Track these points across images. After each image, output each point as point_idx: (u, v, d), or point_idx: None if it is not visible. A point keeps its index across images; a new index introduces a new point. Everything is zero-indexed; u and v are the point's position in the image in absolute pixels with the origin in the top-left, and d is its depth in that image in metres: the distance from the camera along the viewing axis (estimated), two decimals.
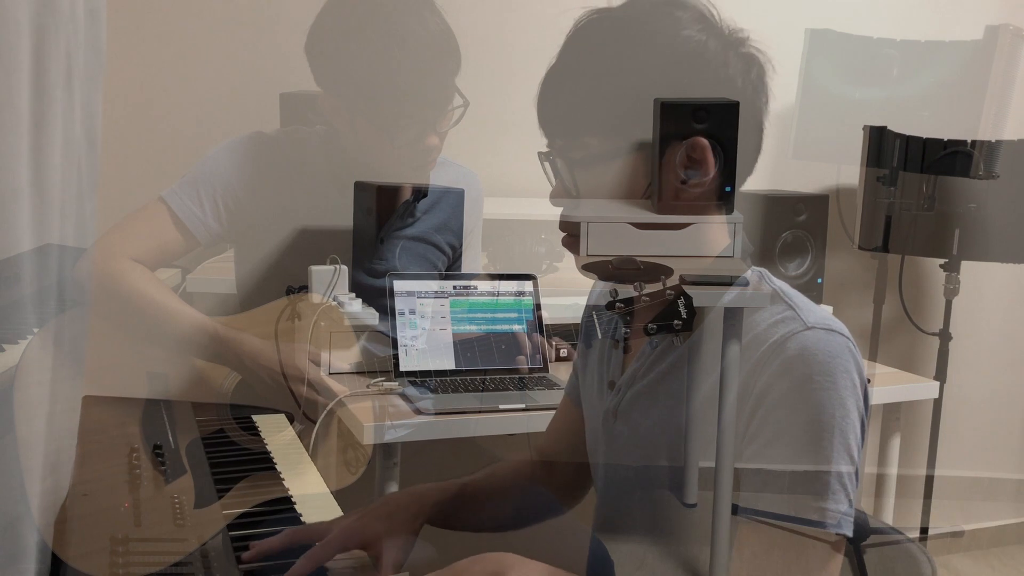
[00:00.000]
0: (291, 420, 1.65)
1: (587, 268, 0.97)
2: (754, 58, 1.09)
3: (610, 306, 1.03)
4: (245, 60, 2.33)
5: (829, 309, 2.54)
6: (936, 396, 2.57)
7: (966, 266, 2.71)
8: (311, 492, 1.35)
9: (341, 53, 1.74)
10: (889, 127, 2.52)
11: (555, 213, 1.09)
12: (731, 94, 1.04)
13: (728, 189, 0.93)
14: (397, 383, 1.81)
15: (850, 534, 1.00)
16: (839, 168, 2.78)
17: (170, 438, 1.43)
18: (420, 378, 1.84)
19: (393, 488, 1.74)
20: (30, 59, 0.88)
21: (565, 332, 2.04)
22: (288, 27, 1.85)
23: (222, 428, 1.53)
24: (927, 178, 2.54)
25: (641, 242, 0.94)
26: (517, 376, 1.90)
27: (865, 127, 2.54)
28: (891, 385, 2.27)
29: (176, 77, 2.29)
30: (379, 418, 1.69)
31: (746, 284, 0.92)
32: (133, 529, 1.12)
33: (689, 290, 0.91)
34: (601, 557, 1.22)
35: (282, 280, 1.81)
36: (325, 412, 1.69)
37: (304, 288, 1.79)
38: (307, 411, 1.71)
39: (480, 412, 1.73)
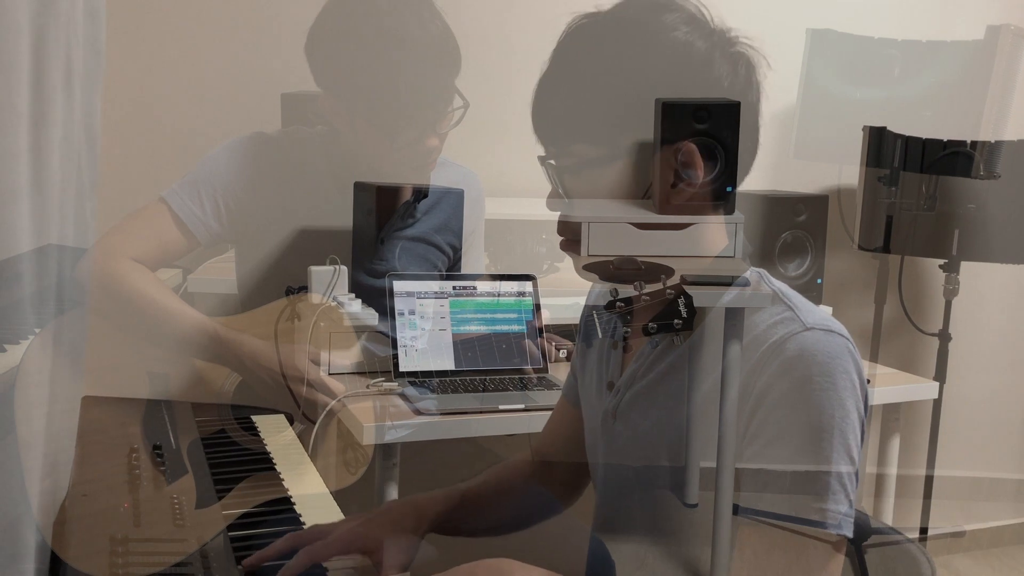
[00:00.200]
0: (291, 421, 1.65)
1: (588, 268, 0.97)
2: (742, 56, 1.09)
3: (610, 305, 1.03)
4: (246, 60, 2.33)
5: (829, 310, 2.55)
6: (936, 396, 2.57)
7: (966, 266, 2.71)
8: (311, 492, 1.34)
9: (340, 54, 1.74)
10: (890, 127, 2.52)
11: (556, 213, 1.09)
12: (719, 94, 1.04)
13: (729, 189, 0.93)
14: (397, 383, 1.81)
15: (850, 535, 1.00)
16: (840, 168, 2.78)
17: (171, 438, 1.43)
18: (420, 378, 1.84)
19: (393, 488, 1.73)
20: (29, 59, 0.88)
21: (566, 332, 2.04)
22: (289, 27, 1.85)
23: (223, 428, 1.53)
24: (928, 178, 2.54)
25: (641, 242, 0.94)
26: (517, 376, 1.90)
27: (865, 127, 2.54)
28: (891, 385, 2.26)
29: (176, 77, 2.29)
30: (379, 418, 1.68)
31: (747, 284, 0.92)
32: (132, 529, 1.12)
33: (689, 290, 0.91)
34: (602, 557, 1.22)
35: (283, 280, 1.81)
36: (325, 412, 1.69)
37: (304, 288, 1.79)
38: (307, 412, 1.71)
39: (481, 412, 1.73)
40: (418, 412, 1.70)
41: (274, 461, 1.44)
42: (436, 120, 1.78)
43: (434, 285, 1.91)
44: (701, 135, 0.93)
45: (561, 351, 2.01)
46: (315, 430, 1.67)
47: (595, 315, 1.32)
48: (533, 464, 1.42)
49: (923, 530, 2.94)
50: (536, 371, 1.92)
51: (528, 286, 1.98)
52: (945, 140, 2.50)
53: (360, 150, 1.81)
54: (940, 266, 2.73)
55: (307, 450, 1.52)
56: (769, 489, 0.99)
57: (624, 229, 0.94)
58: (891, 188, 2.53)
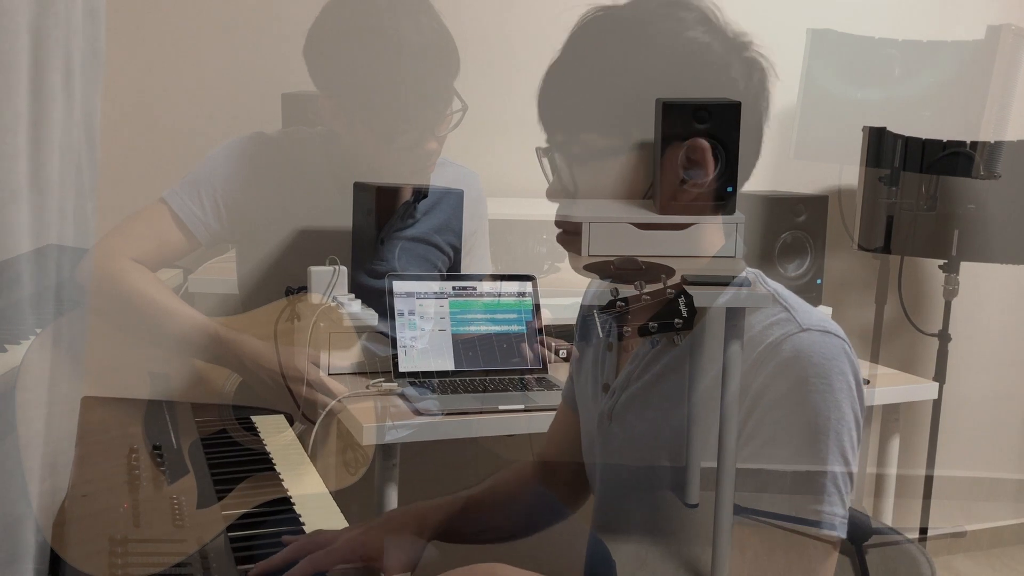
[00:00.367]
0: (291, 422, 1.65)
1: (588, 268, 0.97)
2: (756, 63, 1.09)
3: (610, 305, 1.03)
4: (246, 60, 2.32)
5: (828, 310, 2.55)
6: (935, 397, 2.57)
7: (965, 267, 2.71)
8: (310, 493, 1.34)
9: (338, 56, 1.74)
10: (891, 127, 2.52)
11: (555, 214, 1.09)
12: (733, 97, 1.04)
13: (730, 189, 0.93)
14: (396, 383, 1.80)
15: (844, 536, 1.00)
16: (840, 168, 2.78)
17: (172, 438, 1.43)
18: (419, 379, 1.84)
19: (392, 489, 1.73)
20: (28, 59, 0.88)
21: (567, 333, 2.04)
22: (290, 27, 1.85)
23: (223, 429, 1.53)
24: (928, 178, 2.54)
25: (642, 242, 0.94)
26: (517, 377, 1.89)
27: (864, 128, 2.54)
28: (890, 386, 2.26)
29: (177, 77, 2.29)
30: (379, 419, 1.68)
31: (747, 284, 0.92)
32: (132, 530, 1.12)
33: (689, 290, 0.91)
34: (602, 557, 1.22)
35: (283, 280, 1.81)
36: (324, 413, 1.69)
37: (303, 289, 1.79)
38: (307, 412, 1.71)
39: (481, 413, 1.73)
40: (418, 412, 1.70)
41: (274, 461, 1.44)
42: (434, 123, 1.78)
43: (434, 285, 1.91)
44: (701, 135, 0.93)
45: (560, 352, 2.01)
46: (315, 430, 1.67)
47: (595, 314, 1.32)
48: (536, 469, 1.42)
49: (923, 530, 2.94)
50: (536, 371, 1.92)
51: (528, 286, 1.98)
52: (945, 140, 2.51)
53: (360, 151, 1.81)
54: (940, 266, 2.73)
55: (307, 450, 1.52)
56: (764, 490, 0.99)
57: (624, 229, 0.94)
58: (891, 188, 2.53)
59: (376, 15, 1.73)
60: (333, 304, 1.78)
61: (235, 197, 1.80)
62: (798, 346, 1.00)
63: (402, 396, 1.77)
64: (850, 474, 1.01)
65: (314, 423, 1.68)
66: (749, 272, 1.09)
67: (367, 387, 1.79)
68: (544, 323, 1.97)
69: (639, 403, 1.15)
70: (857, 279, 3.02)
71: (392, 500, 1.74)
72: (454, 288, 1.93)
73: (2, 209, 0.85)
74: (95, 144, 1.04)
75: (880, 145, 2.53)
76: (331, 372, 1.79)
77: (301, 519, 1.24)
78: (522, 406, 1.75)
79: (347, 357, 1.84)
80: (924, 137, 2.51)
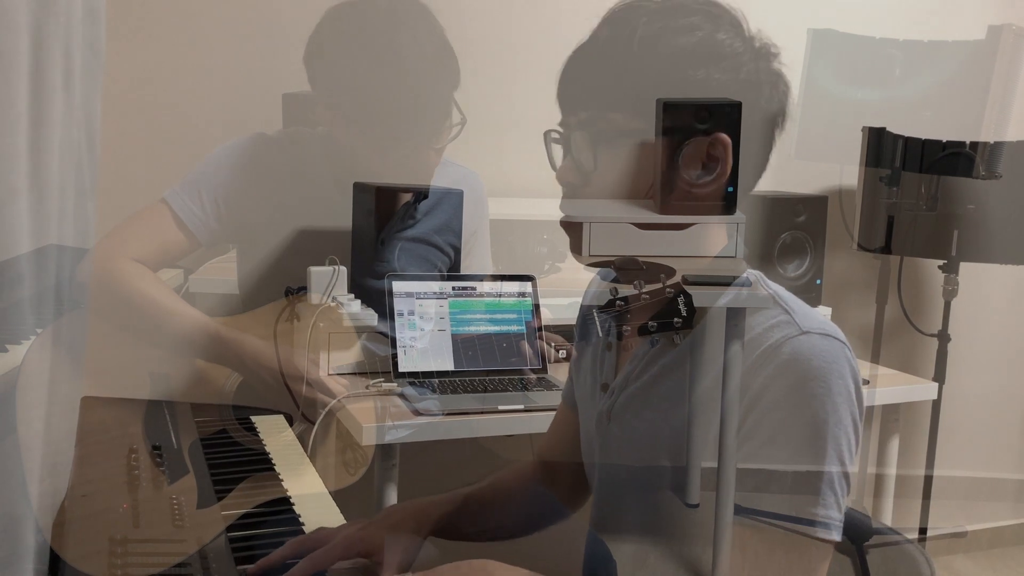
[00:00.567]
0: (291, 422, 1.65)
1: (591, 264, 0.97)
2: (782, 75, 1.10)
3: (609, 304, 1.03)
4: (247, 60, 2.32)
5: (828, 311, 2.55)
6: (935, 397, 2.57)
7: (965, 267, 2.71)
8: (310, 493, 1.34)
9: (337, 65, 1.74)
10: (891, 127, 2.52)
11: (557, 214, 1.09)
12: (756, 104, 1.05)
13: (731, 189, 0.93)
14: (396, 384, 1.80)
15: (838, 539, 1.00)
16: (841, 168, 2.78)
17: (172, 438, 1.43)
18: (419, 379, 1.84)
19: (392, 489, 1.73)
20: (28, 59, 0.88)
21: (567, 332, 2.04)
22: (290, 27, 1.85)
23: (223, 429, 1.53)
24: (928, 178, 2.54)
25: (643, 242, 0.94)
26: (516, 377, 1.89)
27: (864, 128, 2.54)
28: (890, 386, 2.26)
29: (177, 77, 2.29)
30: (379, 419, 1.68)
31: (748, 284, 0.91)
32: (132, 530, 1.12)
33: (689, 290, 0.90)
34: (602, 557, 1.22)
35: (284, 280, 1.81)
36: (324, 412, 1.69)
37: (303, 289, 1.79)
38: (306, 411, 1.71)
39: (480, 413, 1.73)
40: (417, 412, 1.70)
41: (274, 462, 1.44)
42: (432, 136, 1.78)
43: (434, 286, 1.91)
44: (702, 135, 0.93)
45: (560, 352, 2.01)
46: (314, 430, 1.67)
47: (595, 314, 1.32)
48: (537, 468, 1.42)
49: (923, 530, 2.94)
50: (535, 372, 1.92)
51: (528, 286, 1.98)
52: (944, 141, 2.50)
53: (357, 158, 1.81)
54: (939, 267, 2.73)
55: (307, 451, 1.52)
56: (761, 490, 0.99)
57: (625, 229, 0.94)
58: (892, 188, 2.53)
59: (376, 25, 1.73)
60: (333, 304, 1.78)
61: (235, 197, 1.80)
62: (798, 349, 1.00)
63: (402, 396, 1.77)
64: (847, 477, 1.01)
65: (313, 423, 1.68)
66: (751, 274, 1.09)
67: (367, 387, 1.79)
68: (544, 323, 1.97)
69: (638, 403, 1.15)
70: (857, 279, 3.02)
71: (392, 500, 1.74)
72: (454, 288, 1.93)
73: (2, 209, 0.85)
74: (95, 144, 1.04)
75: (880, 145, 2.53)
76: (331, 372, 1.79)
77: (301, 519, 1.24)
78: (522, 406, 1.75)
79: (347, 357, 1.84)
80: (925, 137, 2.51)
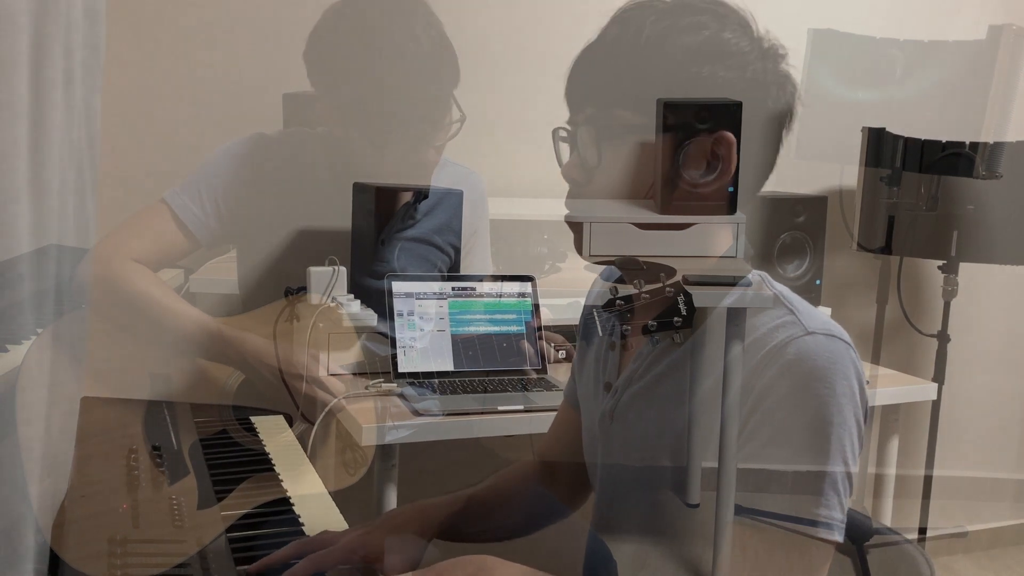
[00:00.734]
0: (290, 423, 1.65)
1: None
2: (790, 77, 1.10)
3: (610, 304, 1.03)
4: (247, 60, 2.32)
5: (828, 311, 2.55)
6: (935, 398, 2.57)
7: (964, 268, 2.71)
8: (310, 493, 1.34)
9: (337, 61, 1.74)
10: (892, 127, 2.52)
11: (557, 214, 1.09)
12: (763, 104, 1.05)
13: (731, 189, 0.93)
14: (396, 384, 1.80)
15: (840, 540, 1.00)
16: (841, 168, 2.78)
17: (172, 439, 1.43)
18: (419, 379, 1.84)
19: (391, 490, 1.73)
20: (29, 59, 0.88)
21: (567, 332, 2.04)
22: (291, 27, 1.85)
23: (223, 429, 1.53)
24: (929, 178, 2.54)
25: (644, 242, 0.94)
26: (516, 377, 1.89)
27: (864, 128, 2.54)
28: (889, 386, 2.26)
29: (177, 77, 2.29)
30: (379, 419, 1.68)
31: (749, 285, 0.91)
32: (132, 531, 1.12)
33: (691, 290, 0.90)
34: (603, 557, 1.22)
35: (284, 280, 1.81)
36: (324, 412, 1.69)
37: (303, 289, 1.79)
38: (306, 410, 1.71)
39: (480, 413, 1.73)
40: (417, 413, 1.70)
41: (273, 462, 1.43)
42: (430, 133, 1.77)
43: (434, 286, 1.91)
44: (702, 135, 0.93)
45: (560, 352, 2.01)
46: (314, 430, 1.67)
47: (595, 313, 1.32)
48: (538, 468, 1.42)
49: (922, 530, 2.94)
50: (535, 372, 1.92)
51: (528, 287, 1.98)
52: (944, 141, 2.50)
53: (356, 157, 1.81)
54: (939, 267, 2.73)
55: (306, 451, 1.52)
56: (763, 489, 0.99)
57: (627, 229, 0.94)
58: (892, 188, 2.53)
59: (376, 21, 1.73)
60: (332, 305, 1.78)
61: (235, 198, 1.80)
62: (802, 349, 1.00)
63: (402, 396, 1.77)
64: (850, 478, 1.01)
65: (313, 423, 1.68)
66: (755, 274, 1.09)
67: (366, 387, 1.78)
68: (544, 323, 1.97)
69: (641, 402, 1.15)
70: (857, 279, 3.02)
71: (391, 501, 1.74)
72: (453, 289, 1.93)
73: (2, 209, 0.85)
74: (95, 144, 1.04)
75: (879, 145, 2.53)
76: (330, 373, 1.79)
77: (300, 520, 1.24)
78: (521, 407, 1.75)
79: (346, 357, 1.84)
80: (926, 137, 2.51)
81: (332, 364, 1.81)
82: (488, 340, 1.93)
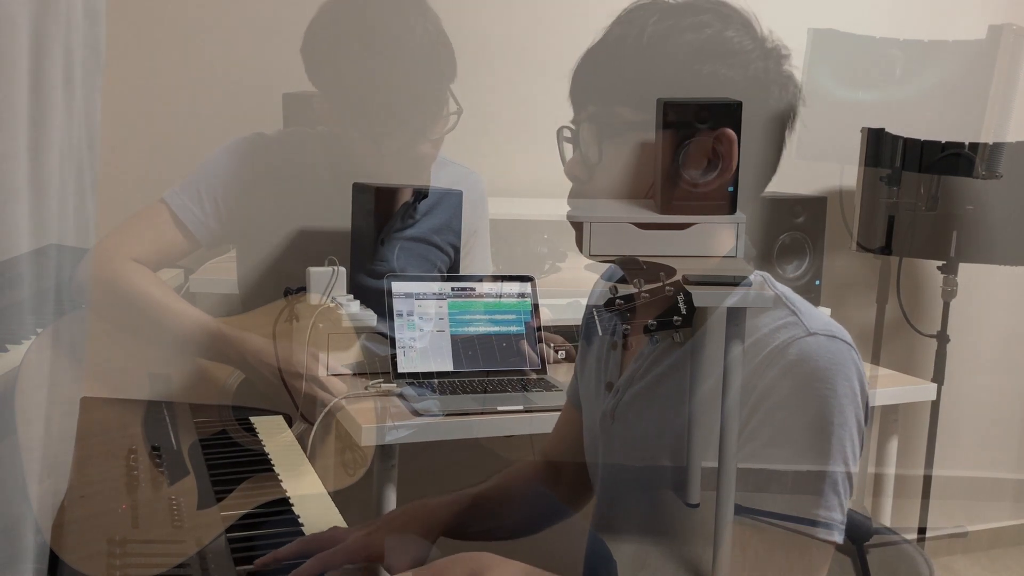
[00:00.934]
0: (290, 423, 1.65)
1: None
2: (793, 78, 1.10)
3: (610, 303, 1.03)
4: (247, 60, 2.32)
5: (827, 311, 2.55)
6: (934, 398, 2.57)
7: (964, 268, 2.71)
8: (309, 493, 1.34)
9: (333, 55, 1.74)
10: (892, 127, 2.52)
11: (557, 214, 1.09)
12: (765, 104, 1.05)
13: (731, 189, 0.93)
14: (395, 384, 1.80)
15: (840, 540, 1.00)
16: (842, 168, 2.78)
17: (172, 439, 1.43)
18: (418, 379, 1.84)
19: (391, 490, 1.73)
20: (28, 59, 0.88)
21: (567, 333, 2.04)
22: (290, 27, 1.85)
23: (223, 430, 1.53)
24: (928, 178, 2.54)
25: (645, 242, 0.94)
26: (516, 377, 1.89)
27: (863, 128, 2.54)
28: (889, 387, 2.26)
29: (177, 77, 2.29)
30: (378, 419, 1.68)
31: (750, 285, 0.91)
32: (131, 531, 1.12)
33: (691, 289, 0.90)
34: (603, 557, 1.22)
35: (283, 280, 1.81)
36: (324, 412, 1.69)
37: (302, 289, 1.79)
38: (305, 410, 1.71)
39: (480, 414, 1.73)
40: (417, 413, 1.70)
41: (273, 462, 1.43)
42: (427, 125, 1.77)
43: (433, 286, 1.91)
44: (703, 134, 0.93)
45: (560, 352, 2.01)
46: (314, 430, 1.67)
47: (595, 313, 1.32)
48: (542, 467, 1.42)
49: (922, 531, 2.94)
50: (535, 372, 1.92)
51: (527, 287, 1.98)
52: (944, 141, 2.50)
53: (354, 153, 1.81)
54: (938, 267, 2.73)
55: (306, 451, 1.52)
56: (763, 489, 0.99)
57: (627, 229, 0.94)
58: (892, 188, 2.53)
59: (373, 15, 1.73)
60: (332, 305, 1.78)
61: (235, 197, 1.80)
62: (804, 350, 1.00)
63: (401, 397, 1.77)
64: (850, 479, 1.01)
65: (313, 423, 1.68)
66: (757, 275, 1.09)
67: (366, 388, 1.78)
68: (544, 323, 1.97)
69: (642, 402, 1.15)
70: (856, 280, 3.02)
71: (391, 501, 1.74)
72: (453, 289, 1.93)
73: (2, 209, 0.85)
74: (95, 144, 1.04)
75: (879, 145, 2.53)
76: (330, 372, 1.79)
77: (300, 520, 1.24)
78: (521, 407, 1.75)
79: (346, 358, 1.84)
80: (926, 138, 2.51)
81: (332, 364, 1.81)
82: (488, 340, 1.93)
